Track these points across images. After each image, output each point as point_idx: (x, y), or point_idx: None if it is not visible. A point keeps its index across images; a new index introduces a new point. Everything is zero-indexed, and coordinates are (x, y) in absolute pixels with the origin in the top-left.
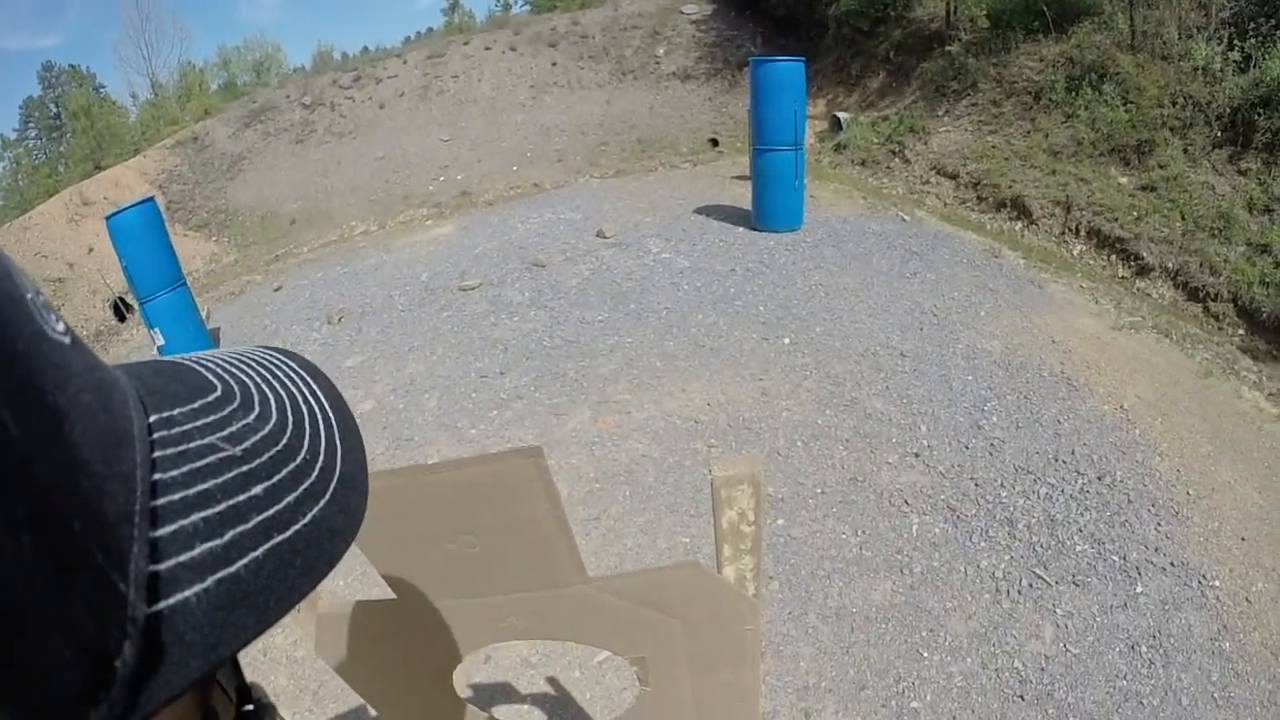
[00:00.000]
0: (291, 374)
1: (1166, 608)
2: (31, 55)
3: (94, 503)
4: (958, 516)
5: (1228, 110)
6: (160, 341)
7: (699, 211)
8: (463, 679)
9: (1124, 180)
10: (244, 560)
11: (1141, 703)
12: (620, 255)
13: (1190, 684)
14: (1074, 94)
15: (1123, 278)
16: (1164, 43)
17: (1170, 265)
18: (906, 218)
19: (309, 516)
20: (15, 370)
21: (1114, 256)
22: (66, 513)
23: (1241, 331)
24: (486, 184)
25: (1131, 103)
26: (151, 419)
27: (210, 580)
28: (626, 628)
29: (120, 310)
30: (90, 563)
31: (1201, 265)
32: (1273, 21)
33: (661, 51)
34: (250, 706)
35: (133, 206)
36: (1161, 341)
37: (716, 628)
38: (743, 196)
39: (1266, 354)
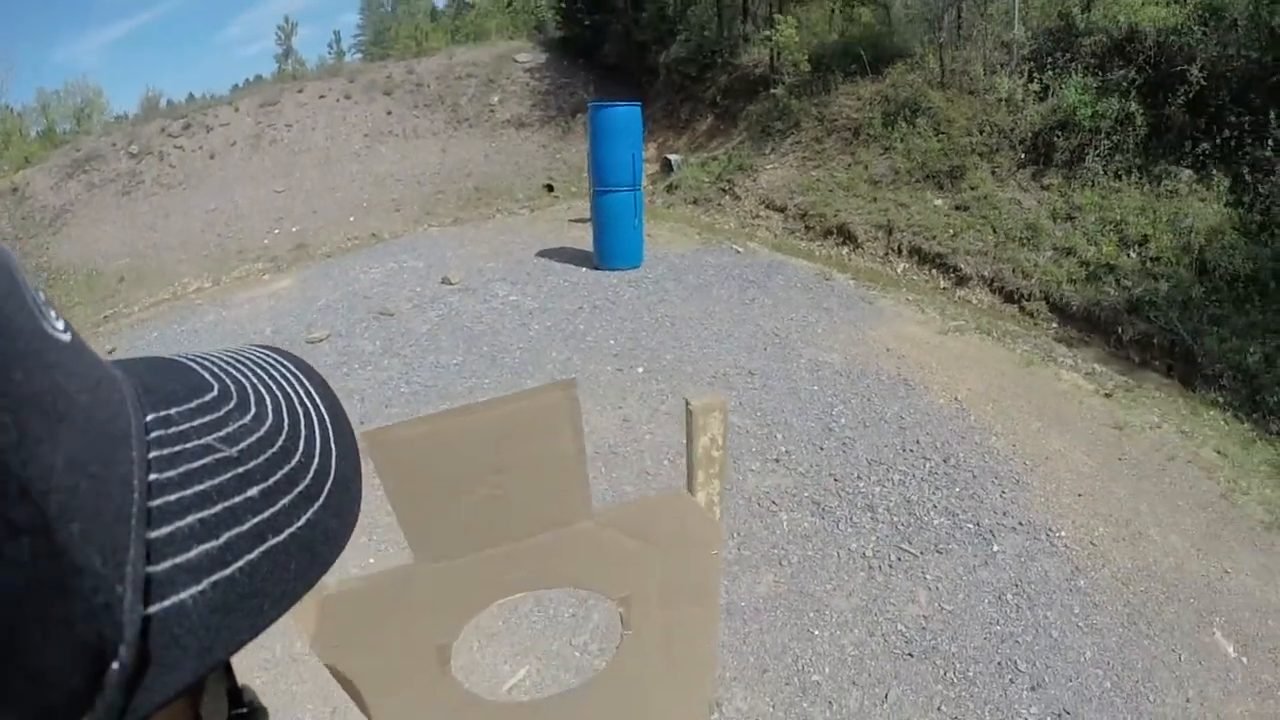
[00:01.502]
0: (287, 374)
1: (1022, 559)
2: None
3: (91, 504)
4: (823, 509)
5: (1030, 135)
6: None
7: (541, 255)
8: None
9: (939, 202)
10: (239, 563)
11: (1017, 641)
12: (468, 300)
13: (1056, 619)
14: (890, 128)
15: (944, 289)
16: (971, 79)
17: (986, 273)
18: (740, 249)
19: (304, 519)
20: (15, 370)
21: (935, 271)
22: (64, 514)
23: (1055, 325)
24: (323, 235)
25: (943, 133)
26: (148, 418)
27: (205, 583)
28: (616, 563)
29: None
30: (87, 565)
31: (1014, 271)
32: (1068, 54)
33: (496, 99)
34: (242, 710)
35: None
36: (985, 340)
37: (686, 553)
38: (582, 238)
39: (1079, 341)
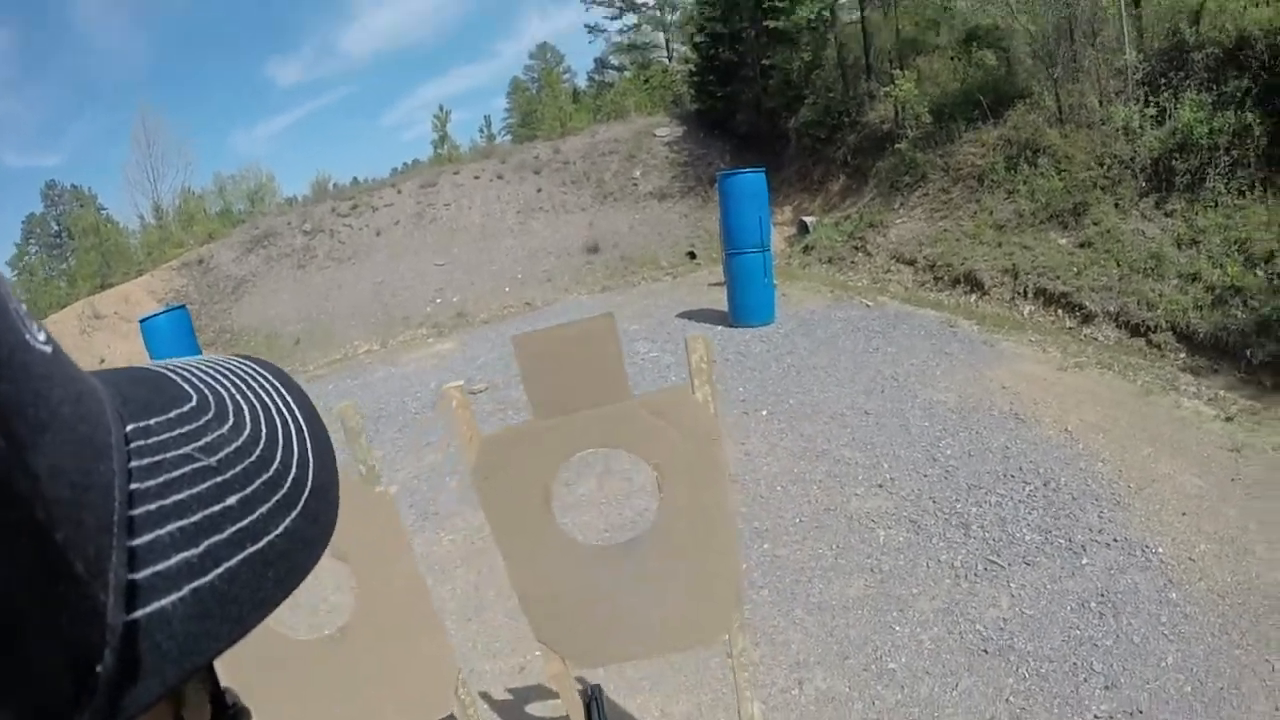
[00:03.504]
0: (265, 384)
1: (1112, 572)
2: (33, 173)
3: (75, 513)
4: (918, 526)
5: (1149, 162)
6: None
7: (681, 316)
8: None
9: (1063, 241)
10: (218, 570)
11: (1096, 645)
12: None
13: (1141, 626)
14: (1013, 171)
15: (1069, 328)
16: (1087, 111)
17: (1111, 309)
18: (870, 304)
19: (282, 527)
20: (0, 381)
21: (1060, 311)
22: (49, 523)
23: (1183, 355)
24: (481, 304)
25: (1064, 170)
26: (128, 428)
27: (186, 589)
28: (650, 435)
29: None
30: (72, 572)
31: (1139, 303)
32: (1181, 72)
33: (638, 173)
34: (227, 712)
35: (165, 312)
36: (1105, 374)
37: (696, 440)
38: (720, 300)
39: (1207, 369)
